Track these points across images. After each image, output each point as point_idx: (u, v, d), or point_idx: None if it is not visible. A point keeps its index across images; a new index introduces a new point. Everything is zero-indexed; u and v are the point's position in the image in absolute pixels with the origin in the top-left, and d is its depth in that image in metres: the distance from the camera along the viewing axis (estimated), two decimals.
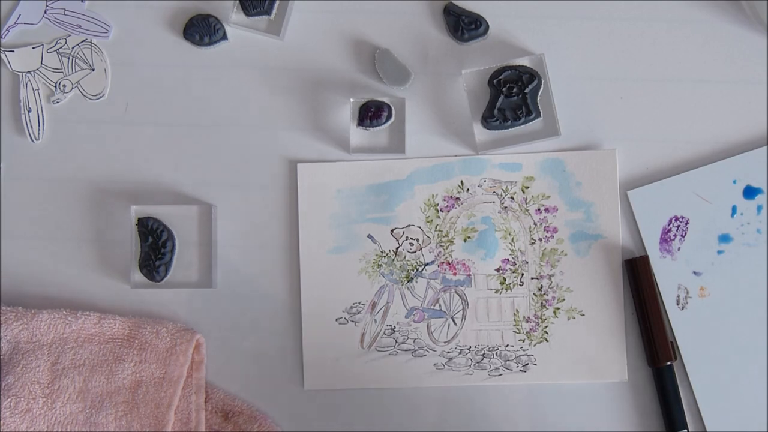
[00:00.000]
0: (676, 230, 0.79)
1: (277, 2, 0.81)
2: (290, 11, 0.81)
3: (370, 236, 0.80)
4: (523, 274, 0.79)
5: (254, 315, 0.80)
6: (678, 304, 0.78)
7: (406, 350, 0.79)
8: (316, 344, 0.79)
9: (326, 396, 0.80)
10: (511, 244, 0.80)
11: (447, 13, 0.80)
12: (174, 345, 0.78)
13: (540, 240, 0.79)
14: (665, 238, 0.79)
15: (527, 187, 0.80)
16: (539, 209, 0.80)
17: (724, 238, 0.79)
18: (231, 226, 0.81)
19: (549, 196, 0.80)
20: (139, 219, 0.80)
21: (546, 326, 0.79)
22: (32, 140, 0.82)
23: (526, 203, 0.80)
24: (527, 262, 0.79)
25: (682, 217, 0.79)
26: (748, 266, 0.78)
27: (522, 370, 0.79)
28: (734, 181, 0.79)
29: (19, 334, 0.78)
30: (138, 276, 0.80)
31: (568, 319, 0.79)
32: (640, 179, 0.80)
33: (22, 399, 0.77)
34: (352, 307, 0.80)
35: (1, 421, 0.76)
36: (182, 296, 0.81)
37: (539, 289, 0.79)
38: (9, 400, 0.77)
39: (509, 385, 0.79)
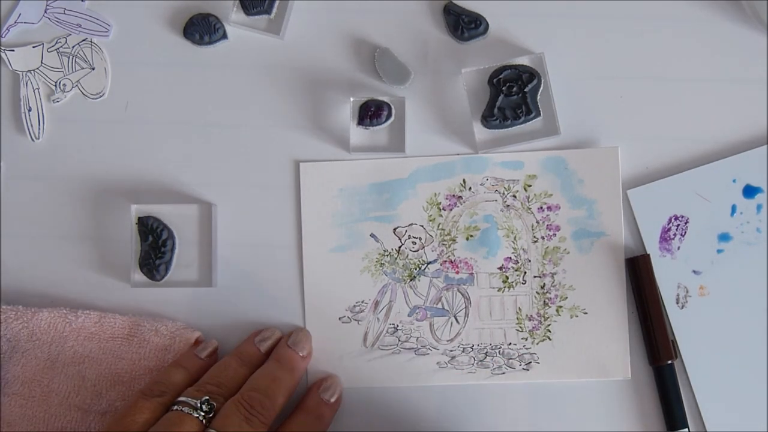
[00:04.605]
0: (676, 229, 0.79)
1: (277, 1, 0.81)
2: (290, 10, 0.81)
3: (372, 235, 0.80)
4: (525, 273, 0.79)
5: (255, 314, 0.80)
6: (678, 303, 0.78)
7: (408, 349, 0.79)
8: (318, 343, 0.79)
9: None
10: (513, 242, 0.80)
11: (447, 12, 0.80)
12: (173, 343, 0.78)
13: (542, 238, 0.79)
14: (665, 237, 0.79)
15: (529, 185, 0.80)
16: (541, 207, 0.80)
17: (724, 237, 0.79)
18: (231, 225, 0.81)
19: (551, 194, 0.80)
20: (139, 218, 0.80)
21: (549, 324, 0.79)
22: (32, 139, 0.82)
23: (528, 201, 0.80)
24: (530, 260, 0.79)
25: (682, 216, 0.79)
26: (748, 265, 0.78)
27: (525, 369, 0.79)
28: (734, 180, 0.79)
29: (19, 333, 0.78)
30: (138, 275, 0.80)
31: (571, 317, 0.79)
32: (640, 178, 0.80)
33: (21, 397, 0.77)
34: (354, 306, 0.80)
35: (1, 420, 0.76)
36: (182, 295, 0.81)
37: (542, 287, 0.79)
38: (9, 398, 0.77)
39: (512, 384, 0.79)
